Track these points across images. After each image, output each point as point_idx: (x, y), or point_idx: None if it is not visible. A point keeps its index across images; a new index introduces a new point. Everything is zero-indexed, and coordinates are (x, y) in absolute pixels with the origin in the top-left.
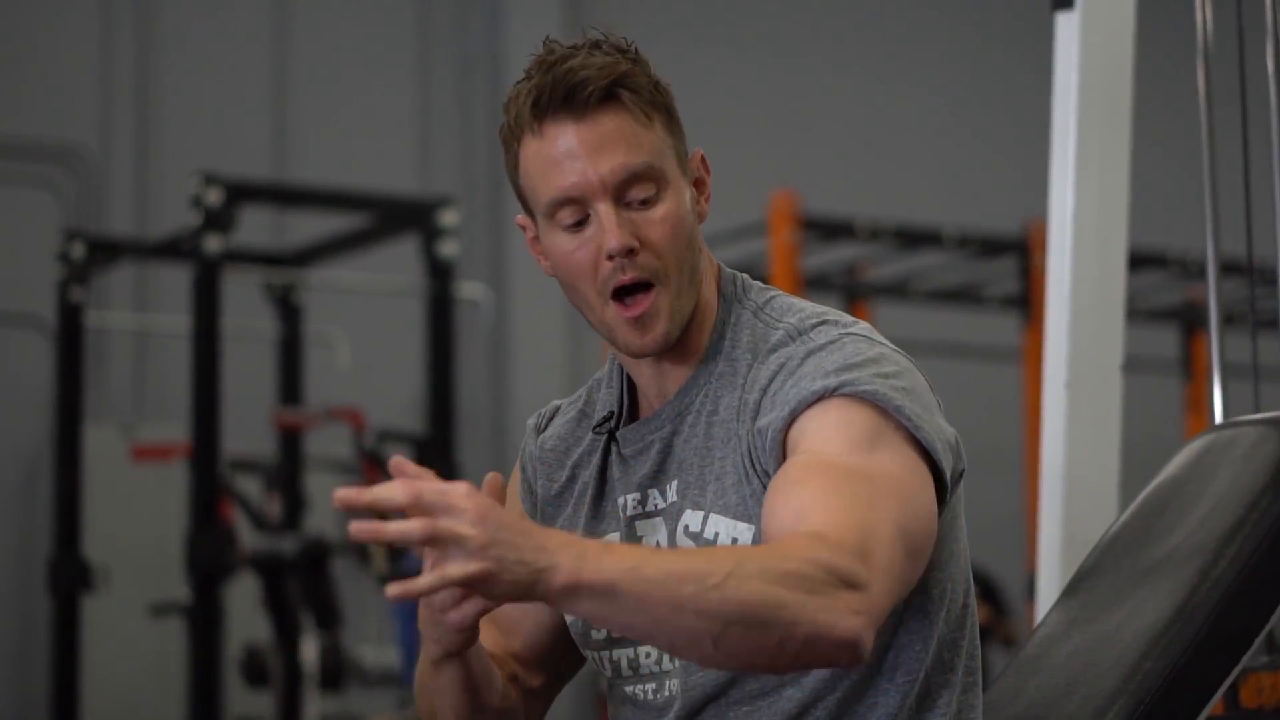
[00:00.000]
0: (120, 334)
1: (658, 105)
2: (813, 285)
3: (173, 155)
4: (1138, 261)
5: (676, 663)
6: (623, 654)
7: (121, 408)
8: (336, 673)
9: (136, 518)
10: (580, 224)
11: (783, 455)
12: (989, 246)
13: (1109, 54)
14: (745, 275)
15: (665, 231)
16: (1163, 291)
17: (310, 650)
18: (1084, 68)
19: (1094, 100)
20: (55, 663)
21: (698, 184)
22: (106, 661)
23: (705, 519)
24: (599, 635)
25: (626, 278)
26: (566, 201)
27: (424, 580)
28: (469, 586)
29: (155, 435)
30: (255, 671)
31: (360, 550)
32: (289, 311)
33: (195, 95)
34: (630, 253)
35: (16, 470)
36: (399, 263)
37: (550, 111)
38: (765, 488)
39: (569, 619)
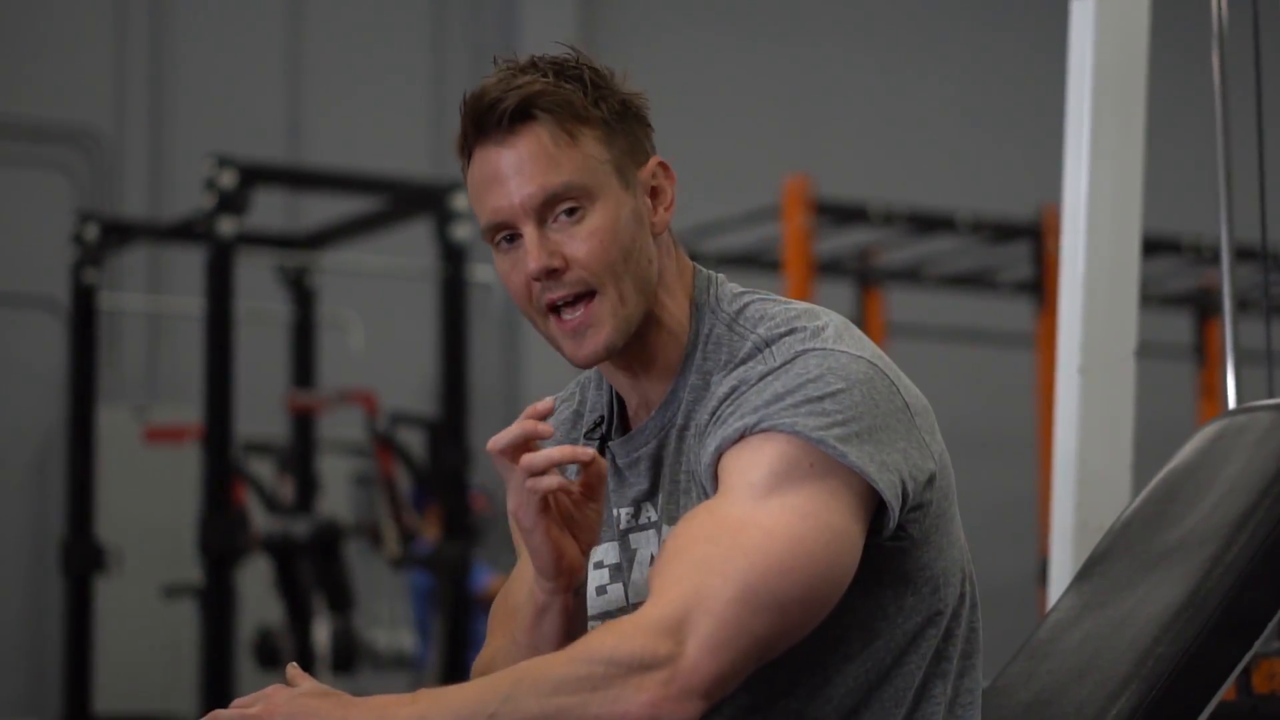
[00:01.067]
0: (133, 316)
1: (588, 120)
2: (826, 270)
3: (187, 138)
4: (1151, 247)
5: None
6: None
7: (135, 390)
8: (348, 655)
9: (149, 500)
10: (513, 242)
11: (714, 487)
12: (1002, 231)
13: (1124, 39)
14: (720, 277)
15: (594, 246)
16: (1176, 277)
17: (322, 632)
18: (1099, 53)
19: (1108, 86)
20: (68, 643)
21: (655, 192)
22: (119, 643)
23: None
24: (593, 612)
25: (555, 295)
26: (498, 226)
27: None
28: None
29: (168, 417)
30: (267, 653)
31: (372, 533)
32: (302, 294)
33: (209, 78)
34: (553, 273)
35: (30, 452)
36: (412, 246)
37: (476, 137)
38: None
39: (590, 588)
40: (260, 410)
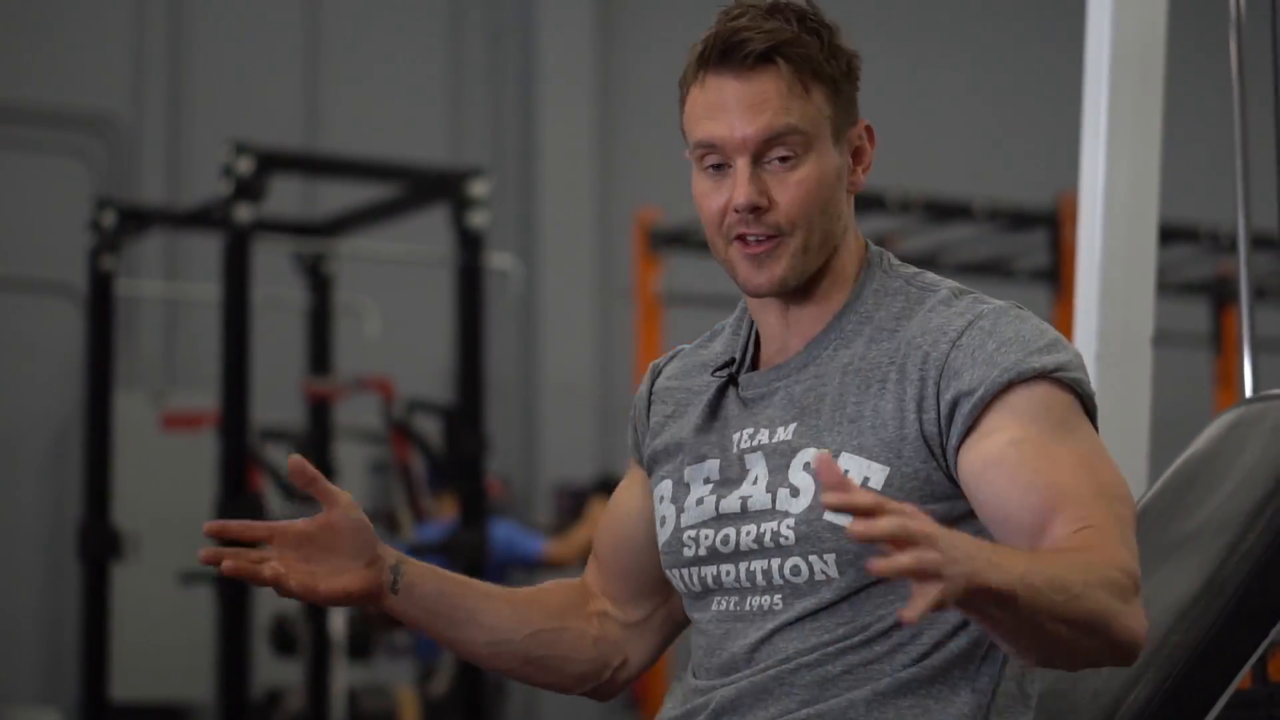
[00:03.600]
0: (151, 302)
1: (821, 76)
2: None
3: (204, 124)
4: (1168, 235)
5: (760, 583)
6: (708, 570)
7: (152, 376)
8: (364, 643)
9: (166, 486)
10: (720, 170)
11: (981, 413)
12: (1020, 219)
13: (1141, 27)
14: (891, 254)
15: (798, 195)
16: (1193, 265)
17: (338, 620)
18: (1116, 40)
19: (1126, 73)
20: (85, 630)
21: (858, 153)
22: (136, 629)
23: (837, 457)
24: (690, 553)
25: (750, 230)
26: (711, 148)
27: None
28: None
29: (185, 404)
30: (284, 641)
31: (389, 520)
32: (319, 281)
33: (227, 64)
34: (755, 209)
35: (47, 438)
36: (429, 233)
37: (713, 65)
38: (934, 433)
39: (662, 538)
40: (277, 397)
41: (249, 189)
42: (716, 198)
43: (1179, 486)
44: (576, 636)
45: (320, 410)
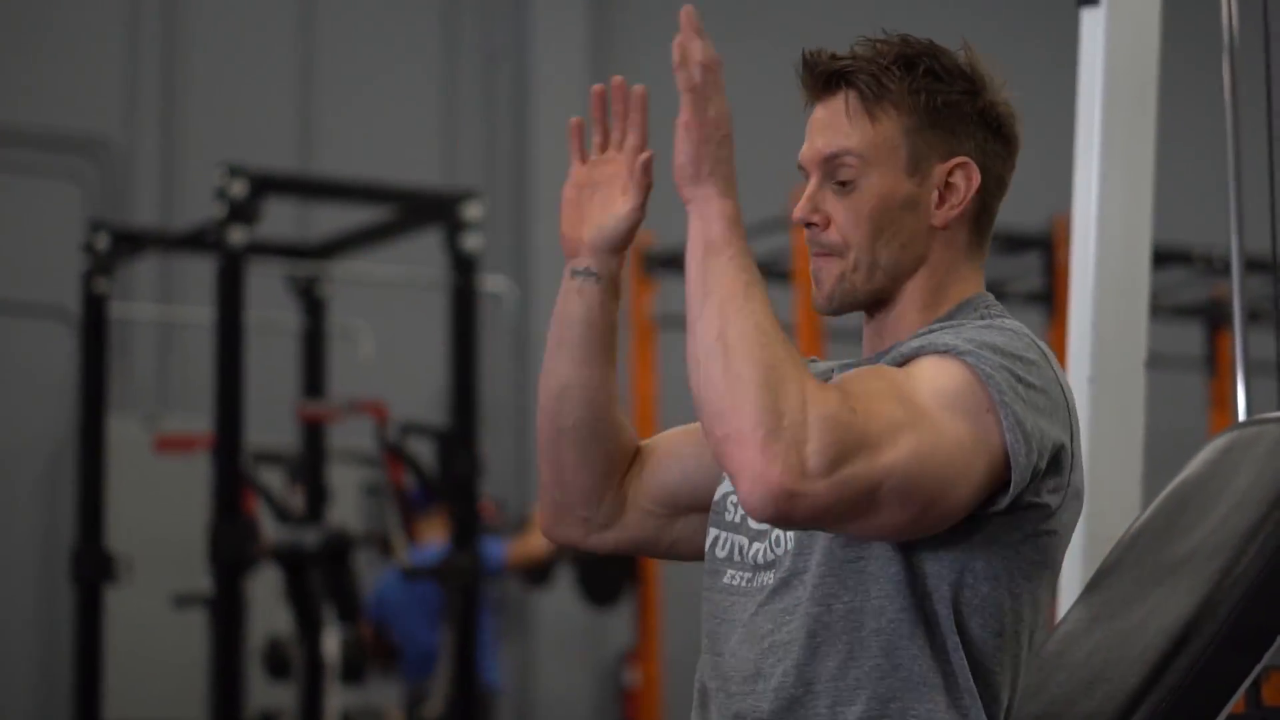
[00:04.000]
0: (144, 325)
1: (896, 104)
2: None
3: (197, 147)
4: (1162, 258)
5: (774, 556)
6: (740, 540)
7: (145, 399)
8: (358, 665)
9: (159, 509)
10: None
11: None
12: (1013, 242)
13: (1134, 50)
14: (997, 303)
15: (849, 216)
16: (1187, 288)
17: (332, 642)
18: (1109, 64)
19: (1119, 96)
20: (78, 653)
21: (948, 188)
22: (129, 652)
23: None
24: (730, 515)
25: (810, 245)
26: (799, 167)
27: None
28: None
29: (178, 426)
30: (277, 663)
31: (382, 543)
32: (312, 304)
33: (220, 87)
34: (810, 225)
35: (40, 461)
36: (423, 255)
37: (804, 89)
38: None
39: (718, 495)
40: (270, 420)
41: (242, 212)
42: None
43: (1172, 510)
44: (619, 448)
45: (314, 433)
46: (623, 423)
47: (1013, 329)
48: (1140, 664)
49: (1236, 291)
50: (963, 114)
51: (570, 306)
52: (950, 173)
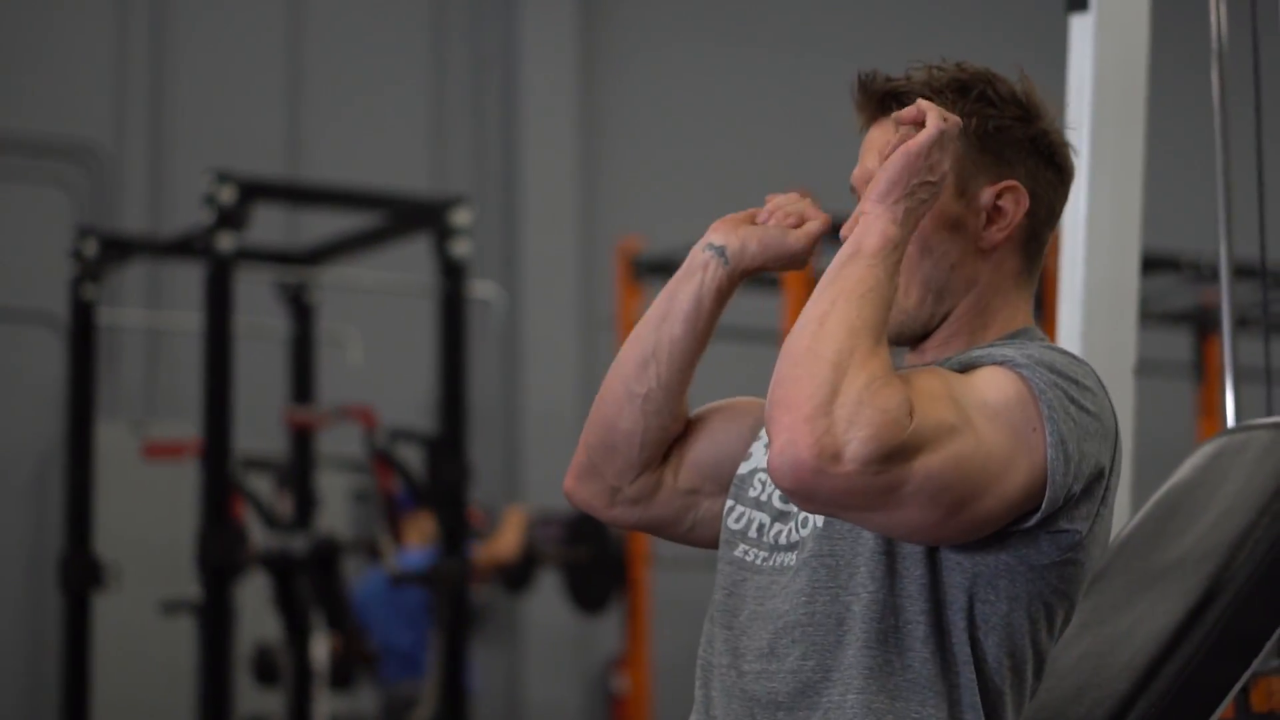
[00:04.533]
0: (132, 331)
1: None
2: None
3: (186, 153)
4: (1150, 264)
5: (798, 538)
6: (761, 517)
7: (133, 405)
8: (347, 671)
9: (148, 515)
10: None
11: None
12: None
13: (1123, 56)
14: (1043, 335)
15: None
16: (1175, 294)
17: (321, 649)
18: (1098, 70)
19: (1108, 103)
20: (66, 660)
21: (996, 211)
22: (117, 659)
23: None
24: (754, 492)
25: None
26: (852, 188)
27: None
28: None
29: (167, 433)
30: (266, 670)
31: (371, 549)
32: (301, 310)
33: (209, 93)
34: None
35: (28, 467)
36: (411, 262)
37: (856, 110)
38: None
39: (743, 469)
40: (259, 426)
41: (231, 218)
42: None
43: (1161, 516)
44: (666, 437)
45: (302, 439)
46: (686, 411)
47: (1074, 356)
48: (1129, 670)
49: (1225, 298)
50: (1014, 139)
51: (690, 279)
52: (999, 195)
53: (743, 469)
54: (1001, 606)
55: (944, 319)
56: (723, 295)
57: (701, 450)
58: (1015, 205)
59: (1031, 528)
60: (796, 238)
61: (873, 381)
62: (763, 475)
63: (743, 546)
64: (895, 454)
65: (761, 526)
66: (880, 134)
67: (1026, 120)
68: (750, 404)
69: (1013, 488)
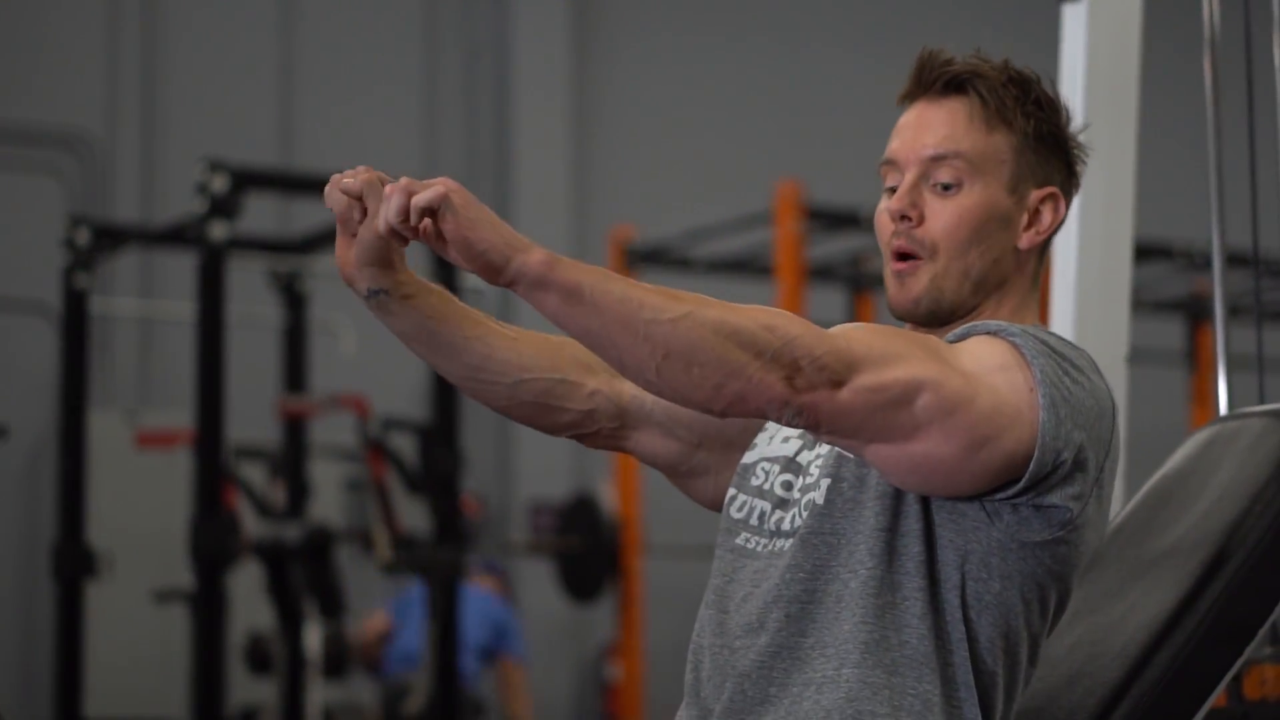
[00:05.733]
0: (125, 320)
1: (1008, 123)
2: (818, 276)
3: (178, 142)
4: (1143, 252)
5: (800, 523)
6: (762, 505)
7: (126, 394)
8: (339, 660)
9: (141, 504)
10: (894, 188)
11: None
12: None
13: (1115, 46)
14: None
15: (949, 218)
16: (1168, 283)
17: (313, 638)
18: (1090, 59)
19: (1100, 92)
20: (59, 648)
21: (1036, 214)
22: (110, 648)
23: None
24: (757, 481)
25: (900, 243)
26: (888, 162)
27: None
28: (441, 231)
29: (160, 422)
30: (258, 658)
31: (364, 538)
32: (294, 299)
33: (201, 82)
34: (904, 219)
35: (21, 456)
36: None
37: (913, 89)
38: None
39: (748, 459)
40: (251, 415)
41: (224, 207)
42: (885, 211)
43: (1153, 504)
44: (570, 390)
45: (295, 428)
46: (568, 379)
47: (1070, 342)
48: (1122, 658)
49: (1218, 286)
50: (1058, 145)
51: (396, 328)
52: (1042, 200)
53: (747, 458)
54: (994, 585)
55: (970, 311)
56: (421, 304)
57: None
58: (1054, 214)
59: (1019, 497)
60: (368, 228)
61: (761, 324)
62: (765, 465)
63: (744, 534)
64: (846, 365)
65: (763, 514)
66: (941, 113)
67: (1064, 127)
68: None
69: (1018, 435)
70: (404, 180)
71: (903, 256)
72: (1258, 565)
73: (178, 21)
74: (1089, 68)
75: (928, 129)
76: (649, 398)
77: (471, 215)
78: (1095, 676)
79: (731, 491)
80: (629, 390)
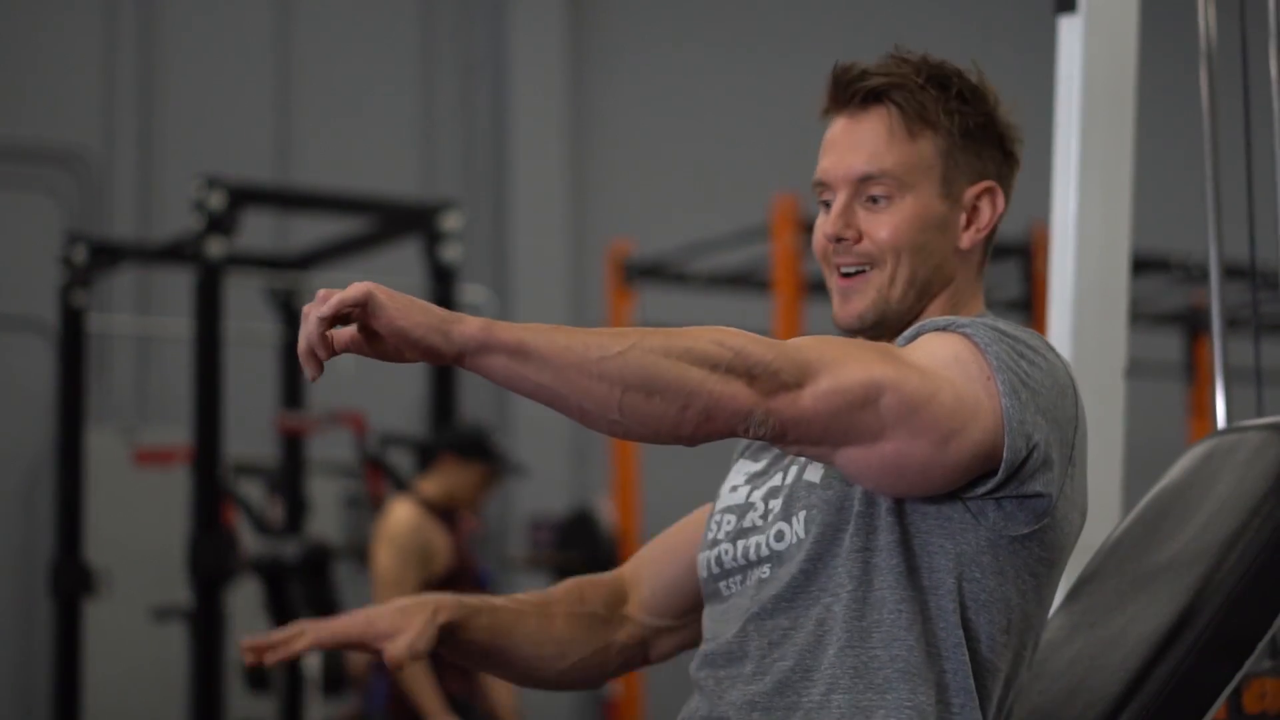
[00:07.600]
0: (122, 338)
1: (932, 124)
2: (814, 290)
3: (175, 159)
4: (1140, 265)
5: (779, 550)
6: (721, 549)
7: (124, 411)
8: (337, 678)
9: (138, 521)
10: (828, 207)
11: None
12: (993, 250)
13: (1112, 57)
14: (993, 316)
15: (885, 231)
16: (1166, 295)
17: (312, 656)
18: (1087, 71)
19: (1097, 103)
20: (57, 666)
21: (974, 211)
22: (108, 665)
23: None
24: (712, 535)
25: (842, 260)
26: (819, 184)
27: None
28: (369, 329)
29: (157, 439)
30: (256, 676)
31: (362, 554)
32: (291, 315)
33: (198, 99)
34: (841, 240)
35: (19, 474)
36: (401, 266)
37: (831, 101)
38: None
39: (706, 535)
40: (249, 431)
41: (221, 223)
42: (820, 230)
43: (1152, 518)
44: (605, 652)
45: (293, 444)
46: (603, 645)
47: (1018, 326)
48: (1121, 672)
49: (1215, 299)
50: (988, 137)
51: (467, 661)
52: (978, 196)
53: (709, 534)
54: (989, 582)
55: (917, 316)
56: (470, 645)
57: (669, 592)
58: (992, 208)
59: (1000, 490)
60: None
61: (714, 342)
62: (717, 517)
63: (722, 585)
64: (800, 371)
65: (722, 558)
66: (861, 129)
67: (993, 115)
68: (695, 516)
69: (981, 427)
70: (319, 295)
71: (848, 273)
72: (1256, 578)
73: (174, 39)
74: (1086, 79)
75: (851, 149)
76: (645, 611)
77: (400, 304)
78: (1095, 690)
79: (700, 557)
80: (637, 616)
